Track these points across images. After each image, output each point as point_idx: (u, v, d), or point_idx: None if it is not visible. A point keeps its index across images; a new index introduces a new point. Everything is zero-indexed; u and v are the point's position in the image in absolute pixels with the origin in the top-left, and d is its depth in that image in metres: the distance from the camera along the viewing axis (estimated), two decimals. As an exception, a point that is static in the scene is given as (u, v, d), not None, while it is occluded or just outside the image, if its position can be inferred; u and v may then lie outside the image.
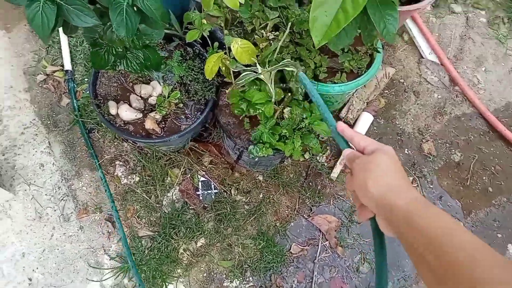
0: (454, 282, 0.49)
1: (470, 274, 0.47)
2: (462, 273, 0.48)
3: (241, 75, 1.50)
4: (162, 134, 1.60)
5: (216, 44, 1.64)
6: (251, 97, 1.54)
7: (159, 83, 1.55)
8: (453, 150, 1.99)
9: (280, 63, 1.47)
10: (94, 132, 1.87)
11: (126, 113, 1.58)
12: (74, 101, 1.89)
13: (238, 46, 1.43)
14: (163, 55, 1.72)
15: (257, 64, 1.43)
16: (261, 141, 1.55)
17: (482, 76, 2.14)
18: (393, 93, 2.07)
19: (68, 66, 1.95)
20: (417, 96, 2.07)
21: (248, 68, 1.49)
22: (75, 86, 1.94)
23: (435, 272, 0.51)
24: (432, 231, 0.54)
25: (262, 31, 1.63)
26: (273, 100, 1.53)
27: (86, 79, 1.95)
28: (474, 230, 1.85)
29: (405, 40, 2.17)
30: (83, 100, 1.89)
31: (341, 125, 0.74)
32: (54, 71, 1.94)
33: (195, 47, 1.74)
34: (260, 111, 1.51)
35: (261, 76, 1.46)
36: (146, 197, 1.77)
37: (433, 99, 2.08)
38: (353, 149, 0.73)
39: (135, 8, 1.07)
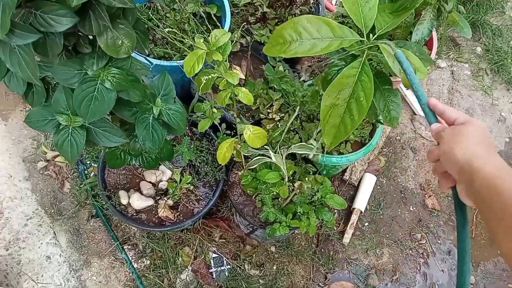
0: None
1: None
2: None
3: (253, 159, 1.52)
4: (175, 220, 1.59)
5: (223, 125, 1.66)
6: (263, 176, 1.55)
7: (171, 170, 1.55)
8: (455, 203, 2.04)
9: (292, 147, 1.50)
10: (98, 217, 1.83)
11: (138, 202, 1.56)
12: (87, 184, 1.84)
13: (251, 132, 1.45)
14: (169, 139, 1.73)
15: (269, 149, 1.45)
16: (275, 221, 1.55)
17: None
18: (391, 150, 2.12)
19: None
20: (415, 152, 2.13)
21: (260, 151, 1.51)
22: (85, 168, 1.91)
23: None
24: (510, 191, 0.56)
25: (268, 110, 1.66)
26: (286, 179, 1.54)
27: (88, 162, 1.92)
28: (486, 282, 1.88)
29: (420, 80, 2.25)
30: (90, 184, 1.86)
31: (432, 100, 0.78)
32: (55, 157, 1.91)
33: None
34: (271, 193, 1.52)
35: (274, 160, 1.48)
36: (159, 281, 1.73)
37: (430, 153, 2.14)
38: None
39: (160, 121, 1.08)
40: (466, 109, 2.27)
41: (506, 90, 2.34)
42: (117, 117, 1.15)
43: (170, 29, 1.70)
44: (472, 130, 0.68)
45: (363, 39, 1.20)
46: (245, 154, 1.52)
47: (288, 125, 1.54)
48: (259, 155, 1.50)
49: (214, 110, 1.50)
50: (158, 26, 1.78)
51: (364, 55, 1.21)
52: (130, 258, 1.77)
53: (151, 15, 1.79)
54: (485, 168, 0.61)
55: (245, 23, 1.94)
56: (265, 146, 1.53)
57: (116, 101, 1.03)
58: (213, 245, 1.82)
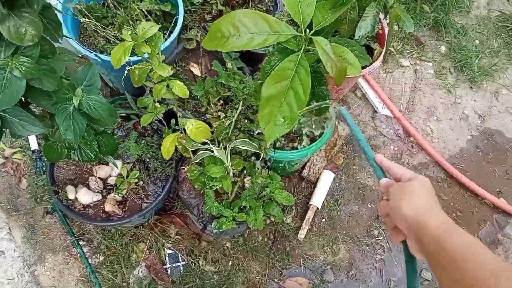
0: None
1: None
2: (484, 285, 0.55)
3: (197, 154, 1.53)
4: (122, 215, 1.60)
5: (173, 121, 1.68)
6: (208, 171, 1.56)
7: (116, 166, 1.56)
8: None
9: (232, 143, 1.51)
10: (54, 214, 1.84)
11: (85, 197, 1.57)
12: (44, 179, 1.85)
13: (193, 127, 1.47)
14: (120, 134, 1.74)
15: (210, 144, 1.47)
16: (222, 215, 1.56)
17: (435, 125, 2.24)
18: (351, 148, 2.13)
19: (34, 146, 1.94)
20: (375, 150, 2.14)
21: (204, 146, 1.53)
22: (43, 164, 1.92)
23: (459, 285, 0.58)
24: (458, 249, 0.60)
25: (212, 108, 1.67)
26: (230, 174, 1.55)
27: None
28: None
29: (358, 96, 2.27)
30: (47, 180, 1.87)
31: (379, 157, 0.84)
32: (13, 153, 1.93)
33: (153, 123, 1.77)
34: (213, 188, 1.53)
35: (216, 154, 1.49)
36: (112, 277, 1.74)
37: (390, 151, 2.15)
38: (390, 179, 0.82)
39: (81, 111, 1.10)
40: (428, 107, 2.28)
41: (469, 88, 2.35)
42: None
43: (119, 27, 1.73)
44: (417, 187, 0.72)
45: (300, 34, 1.22)
46: (190, 148, 1.53)
47: (233, 120, 1.55)
48: (203, 149, 1.51)
49: (157, 104, 1.52)
50: (112, 24, 1.81)
51: (302, 50, 1.23)
52: (85, 253, 1.78)
53: (105, 12, 1.82)
54: (431, 224, 0.66)
55: (202, 21, 1.97)
56: (209, 141, 1.55)
57: (33, 90, 1.05)
58: (169, 241, 1.83)
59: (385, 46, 1.78)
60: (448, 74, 2.39)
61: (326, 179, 1.99)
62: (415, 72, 2.37)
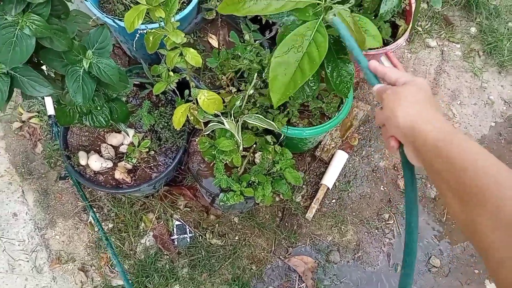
0: (478, 203, 0.51)
1: (494, 194, 0.50)
2: (486, 194, 0.50)
3: (208, 126, 1.51)
4: (132, 183, 1.60)
5: (186, 92, 1.66)
6: (219, 143, 1.54)
7: (127, 134, 1.56)
8: (429, 185, 1.99)
9: (245, 116, 1.48)
10: (67, 179, 1.86)
11: (96, 163, 1.58)
12: (61, 144, 1.86)
13: (205, 97, 1.44)
14: (134, 103, 1.73)
15: (221, 116, 1.44)
16: (230, 189, 1.55)
17: (458, 110, 2.16)
18: (368, 129, 2.08)
19: (51, 111, 1.95)
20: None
21: (216, 118, 1.50)
22: (59, 130, 1.93)
23: (460, 196, 0.54)
24: (457, 157, 0.55)
25: (225, 81, 1.63)
26: (241, 148, 1.53)
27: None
28: (452, 266, 1.84)
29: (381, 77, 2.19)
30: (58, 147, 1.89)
31: (373, 63, 0.77)
32: (30, 118, 1.95)
33: (167, 93, 1.75)
34: (222, 161, 1.51)
35: (227, 127, 1.47)
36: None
37: (409, 134, 2.09)
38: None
39: (91, 74, 1.08)
40: (452, 90, 2.19)
41: (497, 73, 2.25)
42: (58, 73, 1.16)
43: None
44: (413, 91, 0.67)
45: (319, 1, 1.17)
46: (202, 120, 1.51)
47: (246, 94, 1.52)
48: (215, 121, 1.49)
49: (171, 73, 1.50)
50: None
51: (321, 18, 1.18)
52: (97, 218, 1.80)
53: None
54: (427, 131, 0.60)
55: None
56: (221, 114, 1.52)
57: (43, 50, 1.04)
58: (177, 212, 1.83)
59: (411, 23, 1.70)
60: (476, 57, 2.29)
61: (340, 159, 1.95)
62: (442, 53, 2.28)
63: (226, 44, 1.91)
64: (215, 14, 1.91)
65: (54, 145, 1.89)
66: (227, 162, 1.52)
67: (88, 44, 1.09)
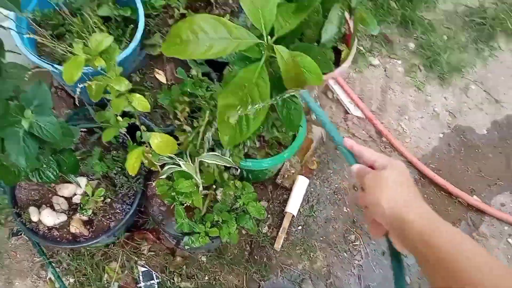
0: None
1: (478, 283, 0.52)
2: (471, 282, 0.53)
3: (164, 169, 1.47)
4: (90, 235, 1.53)
5: (138, 133, 1.61)
6: (177, 185, 1.51)
7: (79, 185, 1.49)
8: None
9: (202, 155, 1.46)
10: (20, 235, 1.75)
11: (48, 218, 1.50)
12: (10, 201, 1.75)
13: (158, 141, 1.41)
14: (83, 150, 1.66)
15: (175, 158, 1.41)
16: (194, 231, 1.51)
17: (407, 125, 2.23)
18: (325, 152, 2.11)
19: None
20: (349, 152, 2.12)
21: (171, 160, 1.47)
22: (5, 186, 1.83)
23: (447, 282, 0.55)
24: (444, 246, 0.57)
25: (179, 116, 1.61)
26: (200, 188, 1.50)
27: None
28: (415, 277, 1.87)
29: (329, 97, 2.24)
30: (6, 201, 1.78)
31: (348, 141, 0.77)
32: (-29, 175, 1.82)
33: (118, 136, 1.70)
34: (183, 204, 1.48)
35: (184, 169, 1.44)
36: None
37: (364, 152, 2.13)
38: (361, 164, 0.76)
39: (33, 134, 1.02)
40: (399, 106, 2.27)
41: (439, 86, 2.36)
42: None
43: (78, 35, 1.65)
44: (395, 176, 0.66)
45: (261, 41, 1.18)
46: (157, 163, 1.47)
47: (200, 131, 1.50)
48: (171, 163, 1.45)
49: (119, 118, 1.45)
50: (70, 31, 1.72)
51: (263, 59, 1.19)
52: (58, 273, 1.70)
53: (61, 20, 1.74)
54: (412, 219, 0.60)
55: (165, 25, 1.90)
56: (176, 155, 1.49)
57: (-23, 115, 0.98)
58: (142, 258, 1.76)
59: (352, 47, 1.75)
60: (418, 71, 2.39)
61: (301, 185, 1.96)
62: (385, 71, 2.37)
63: (174, 78, 1.89)
64: (159, 50, 1.89)
65: (1, 199, 1.78)
66: (188, 203, 1.49)
67: (26, 102, 1.04)
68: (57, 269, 1.70)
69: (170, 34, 1.08)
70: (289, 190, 1.98)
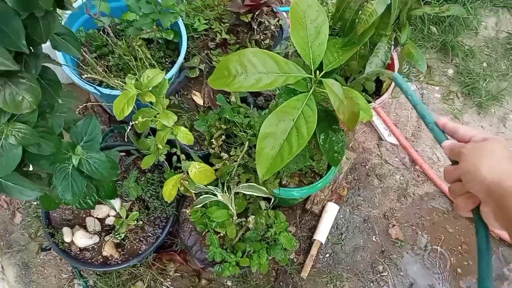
0: None
1: None
2: None
3: (199, 198, 1.46)
4: (121, 258, 1.53)
5: (174, 158, 1.60)
6: (211, 214, 1.50)
7: (114, 209, 1.49)
8: (420, 233, 1.99)
9: (240, 186, 1.45)
10: (49, 250, 1.76)
11: (81, 240, 1.50)
12: (44, 221, 1.76)
13: (196, 170, 1.40)
14: (119, 171, 1.66)
15: (212, 189, 1.40)
16: (225, 261, 1.50)
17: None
18: (356, 178, 2.07)
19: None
20: (380, 180, 2.08)
21: (207, 188, 1.46)
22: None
23: None
24: None
25: (214, 143, 1.60)
26: (234, 217, 1.49)
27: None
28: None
29: (363, 122, 2.20)
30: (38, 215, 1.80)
31: (442, 120, 0.75)
32: (6, 185, 1.85)
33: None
34: (216, 233, 1.47)
35: (220, 199, 1.43)
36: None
37: (396, 181, 2.10)
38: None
39: (81, 171, 1.02)
40: (434, 134, 2.22)
41: (476, 114, 2.30)
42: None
43: (119, 57, 1.65)
44: (497, 146, 0.64)
45: (310, 76, 1.16)
46: (193, 191, 1.46)
47: (237, 162, 1.49)
48: (206, 193, 1.44)
49: (159, 146, 1.45)
50: (113, 52, 1.72)
51: (311, 91, 1.16)
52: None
53: (106, 39, 1.74)
54: None
55: (205, 48, 1.89)
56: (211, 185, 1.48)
57: (29, 153, 0.97)
58: (167, 279, 1.76)
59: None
60: (455, 98, 2.34)
61: (331, 212, 1.93)
62: (422, 96, 2.32)
63: (211, 101, 1.88)
64: (198, 72, 1.88)
65: (34, 213, 1.80)
66: (222, 234, 1.48)
67: (76, 137, 1.04)
68: (83, 286, 1.71)
69: (219, 67, 1.07)
70: (318, 216, 1.96)
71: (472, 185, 0.63)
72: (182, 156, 1.44)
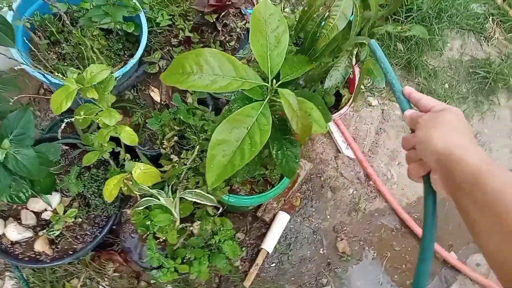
0: None
1: None
2: None
3: (141, 200, 1.41)
4: (53, 255, 1.46)
5: (121, 156, 1.54)
6: (154, 217, 1.45)
7: (49, 205, 1.42)
8: (367, 248, 2.01)
9: (183, 192, 1.40)
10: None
11: (13, 233, 1.43)
12: None
13: (141, 171, 1.35)
14: (62, 164, 1.58)
15: (154, 193, 1.35)
16: (163, 266, 1.45)
17: (396, 170, 2.21)
18: (310, 188, 2.07)
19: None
20: (334, 192, 2.08)
21: (151, 191, 1.41)
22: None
23: (493, 226, 0.53)
24: (501, 190, 0.54)
25: (165, 144, 1.55)
26: (177, 223, 1.44)
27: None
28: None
29: (323, 133, 2.20)
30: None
31: (408, 89, 0.77)
32: None
33: (101, 153, 1.63)
34: (156, 238, 1.42)
35: (163, 203, 1.38)
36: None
37: (349, 194, 2.10)
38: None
39: (7, 167, 0.95)
40: (391, 150, 2.24)
41: (433, 135, 2.34)
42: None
43: (74, 46, 1.57)
44: (452, 118, 0.66)
45: (266, 84, 1.13)
46: (137, 192, 1.41)
47: (186, 166, 1.44)
48: (149, 195, 1.39)
49: (106, 143, 1.38)
50: (67, 41, 1.64)
51: (266, 100, 1.14)
52: (11, 286, 1.63)
53: (61, 27, 1.65)
54: (467, 159, 0.59)
55: (167, 44, 1.83)
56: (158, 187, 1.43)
57: None
58: (105, 279, 1.70)
59: (353, 94, 1.71)
60: (414, 117, 2.36)
61: (281, 221, 1.91)
62: (382, 113, 2.33)
63: (168, 99, 1.82)
64: (158, 68, 1.82)
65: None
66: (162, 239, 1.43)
67: (5, 130, 0.97)
68: (15, 280, 1.63)
69: (173, 64, 1.03)
70: (268, 224, 1.94)
71: (424, 154, 0.66)
72: (127, 156, 1.38)
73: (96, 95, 1.08)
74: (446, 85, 2.48)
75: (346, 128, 2.18)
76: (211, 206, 1.54)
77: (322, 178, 2.11)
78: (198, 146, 1.45)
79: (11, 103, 1.02)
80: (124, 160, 1.49)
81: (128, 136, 1.19)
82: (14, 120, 0.98)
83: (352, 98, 1.73)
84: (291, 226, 1.97)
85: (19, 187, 1.19)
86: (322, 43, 1.28)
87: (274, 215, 1.94)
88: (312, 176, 2.10)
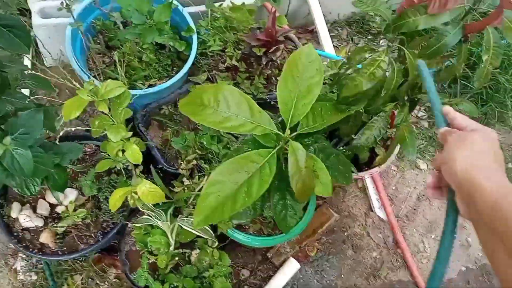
0: None
1: None
2: None
3: (141, 217, 1.43)
4: (55, 249, 1.51)
5: (139, 168, 1.57)
6: (152, 235, 1.45)
7: (59, 202, 1.48)
8: None
9: (179, 220, 1.39)
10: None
11: (25, 220, 1.50)
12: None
13: (146, 189, 1.36)
14: (88, 163, 1.65)
15: (152, 216, 1.35)
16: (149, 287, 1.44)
17: (430, 244, 2.02)
18: (330, 241, 1.95)
19: None
20: (355, 251, 1.95)
21: (153, 210, 1.41)
22: None
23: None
24: None
25: (183, 165, 1.55)
26: (171, 248, 1.43)
27: None
28: None
29: (358, 186, 2.08)
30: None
31: (447, 108, 0.75)
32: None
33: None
34: (148, 258, 1.41)
35: (159, 225, 1.38)
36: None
37: (371, 257, 1.96)
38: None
39: (2, 163, 1.00)
40: (430, 221, 2.06)
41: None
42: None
43: (122, 55, 1.65)
44: (479, 139, 0.64)
45: (279, 132, 1.10)
46: (140, 208, 1.42)
47: (195, 192, 1.44)
48: (148, 215, 1.40)
49: (120, 153, 1.42)
50: (119, 48, 1.73)
51: (275, 149, 1.10)
52: (20, 267, 1.72)
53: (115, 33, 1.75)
54: (485, 186, 0.57)
55: (214, 68, 1.86)
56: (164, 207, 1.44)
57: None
58: (105, 283, 1.73)
59: (383, 158, 1.60)
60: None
61: (290, 269, 1.82)
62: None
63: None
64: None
65: None
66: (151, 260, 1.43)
67: (12, 127, 1.02)
68: (25, 262, 1.71)
69: (193, 93, 1.05)
70: (277, 268, 1.86)
71: (447, 175, 0.64)
72: (138, 169, 1.41)
73: (107, 109, 1.12)
74: (510, 165, 2.24)
75: (383, 187, 2.05)
76: (213, 240, 1.51)
77: (346, 233, 1.99)
78: (208, 175, 1.43)
79: (27, 101, 1.07)
80: (145, 172, 1.52)
81: (133, 154, 1.22)
82: (24, 119, 1.04)
83: (387, 159, 1.62)
84: (300, 276, 1.88)
85: (32, 181, 1.25)
86: (345, 93, 1.20)
87: (285, 260, 1.86)
88: (335, 229, 1.99)
